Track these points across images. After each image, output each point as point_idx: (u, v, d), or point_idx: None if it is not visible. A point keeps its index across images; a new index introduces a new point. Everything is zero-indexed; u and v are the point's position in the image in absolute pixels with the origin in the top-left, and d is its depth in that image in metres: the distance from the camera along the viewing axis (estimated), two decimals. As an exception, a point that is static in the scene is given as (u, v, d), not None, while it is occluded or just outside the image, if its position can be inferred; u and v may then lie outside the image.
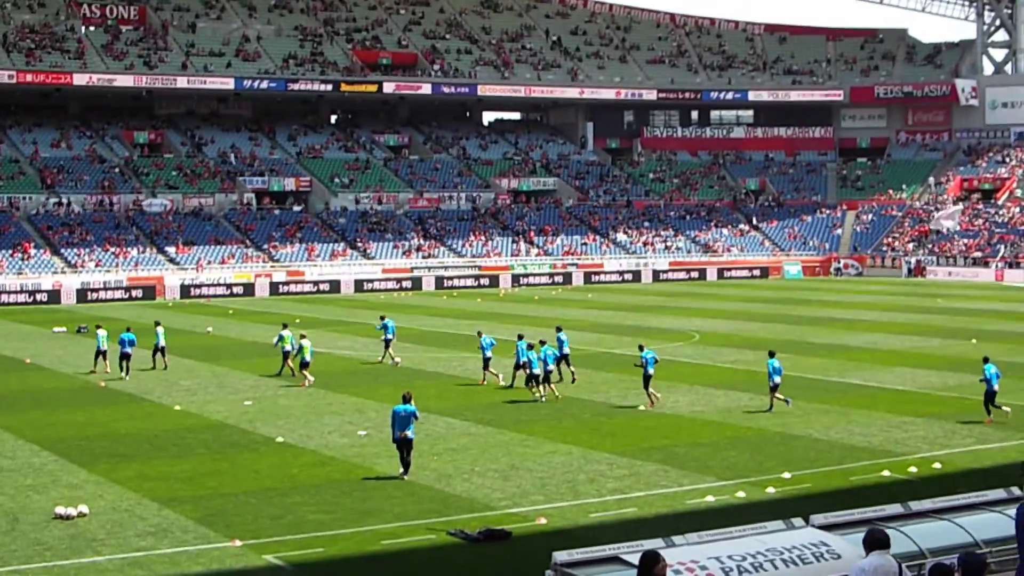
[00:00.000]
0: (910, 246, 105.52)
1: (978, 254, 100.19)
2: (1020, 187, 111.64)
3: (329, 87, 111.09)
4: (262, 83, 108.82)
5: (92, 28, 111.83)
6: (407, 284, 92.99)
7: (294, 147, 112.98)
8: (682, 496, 25.87)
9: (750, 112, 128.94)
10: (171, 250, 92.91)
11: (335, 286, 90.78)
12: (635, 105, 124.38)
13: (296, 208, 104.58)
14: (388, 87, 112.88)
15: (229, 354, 51.84)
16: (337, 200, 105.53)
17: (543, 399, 38.18)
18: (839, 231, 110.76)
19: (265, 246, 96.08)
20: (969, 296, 79.28)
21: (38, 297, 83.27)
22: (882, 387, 40.43)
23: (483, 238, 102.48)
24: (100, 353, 45.91)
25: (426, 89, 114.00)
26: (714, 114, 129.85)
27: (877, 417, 34.64)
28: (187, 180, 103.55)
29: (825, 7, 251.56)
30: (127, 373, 44.32)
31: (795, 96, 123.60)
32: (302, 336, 43.53)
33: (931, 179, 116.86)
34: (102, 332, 46.60)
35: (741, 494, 25.76)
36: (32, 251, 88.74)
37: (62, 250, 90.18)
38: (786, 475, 27.38)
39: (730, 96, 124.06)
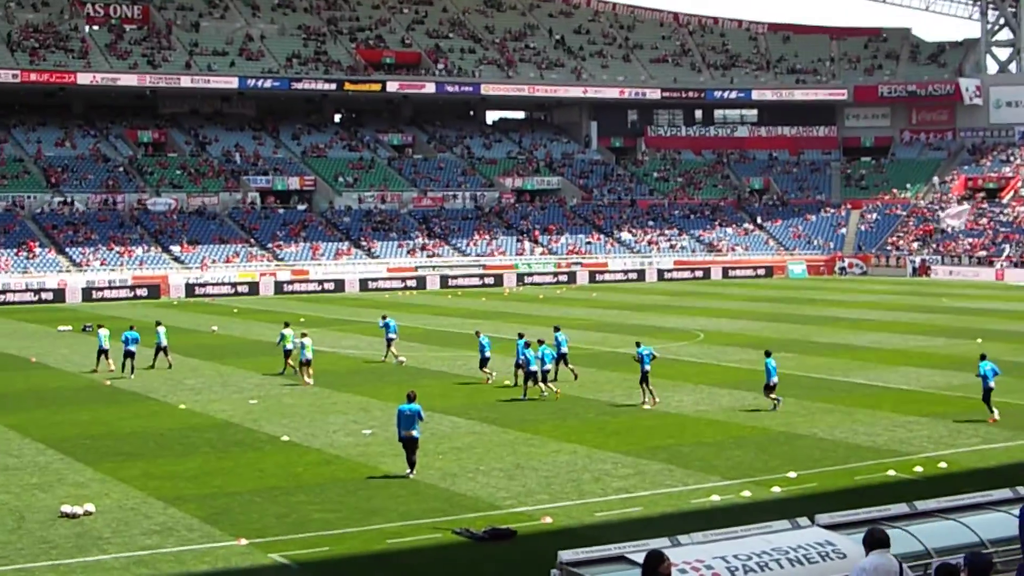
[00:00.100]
0: (915, 245, 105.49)
1: (983, 253, 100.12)
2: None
3: (333, 86, 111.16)
4: (266, 82, 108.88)
5: (96, 27, 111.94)
6: (411, 283, 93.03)
7: (298, 146, 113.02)
8: (687, 495, 25.86)
9: (754, 111, 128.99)
10: (176, 249, 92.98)
11: (340, 285, 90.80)
12: (639, 104, 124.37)
13: (300, 207, 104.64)
14: (392, 86, 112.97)
15: (234, 353, 51.86)
16: (341, 199, 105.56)
17: (545, 395, 38.24)
18: (843, 230, 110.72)
19: (269, 245, 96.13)
20: (973, 296, 79.22)
21: (43, 296, 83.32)
22: (887, 386, 40.40)
23: (487, 237, 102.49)
24: (102, 352, 45.97)
25: (430, 88, 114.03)
26: (718, 113, 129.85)
27: (882, 416, 34.62)
28: (191, 179, 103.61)
29: (829, 6, 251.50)
30: (132, 372, 44.38)
31: (799, 95, 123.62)
32: (303, 335, 43.52)
33: (935, 178, 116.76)
34: (104, 331, 46.64)
35: (746, 493, 25.75)
36: (37, 250, 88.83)
37: (67, 249, 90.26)
38: (791, 474, 27.36)
39: (734, 95, 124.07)
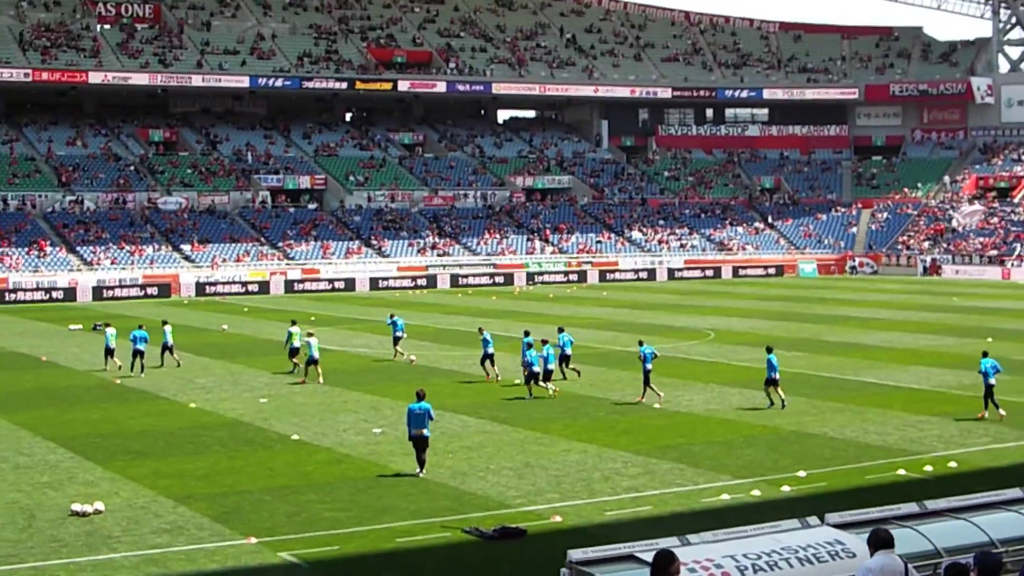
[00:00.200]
0: (925, 244, 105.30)
1: (994, 252, 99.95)
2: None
3: (344, 85, 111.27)
4: (277, 81, 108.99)
5: (107, 26, 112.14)
6: (422, 282, 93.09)
7: (309, 145, 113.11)
8: (697, 495, 25.83)
9: (765, 110, 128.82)
10: (186, 248, 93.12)
11: (350, 284, 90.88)
12: (650, 103, 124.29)
13: (311, 206, 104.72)
14: (403, 85, 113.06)
15: (244, 352, 51.92)
16: (352, 198, 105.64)
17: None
18: (854, 229, 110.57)
19: (280, 244, 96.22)
20: (985, 295, 79.08)
21: (54, 295, 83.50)
22: (897, 386, 40.34)
23: (498, 236, 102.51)
24: (109, 351, 46.04)
25: (441, 87, 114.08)
26: (729, 112, 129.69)
27: (892, 416, 34.57)
28: (202, 178, 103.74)
29: (840, 5, 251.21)
30: (142, 371, 44.44)
31: (810, 94, 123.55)
32: (309, 334, 43.53)
33: (946, 177, 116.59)
34: (111, 330, 46.70)
35: (756, 493, 25.72)
36: (48, 249, 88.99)
37: (78, 248, 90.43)
38: (801, 474, 27.33)
39: (745, 94, 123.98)
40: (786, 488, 26.12)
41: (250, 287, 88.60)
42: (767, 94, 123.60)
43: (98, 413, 36.79)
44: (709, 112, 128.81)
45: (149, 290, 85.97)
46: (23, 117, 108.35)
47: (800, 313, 66.70)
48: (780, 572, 14.50)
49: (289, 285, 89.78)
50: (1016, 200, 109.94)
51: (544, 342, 39.77)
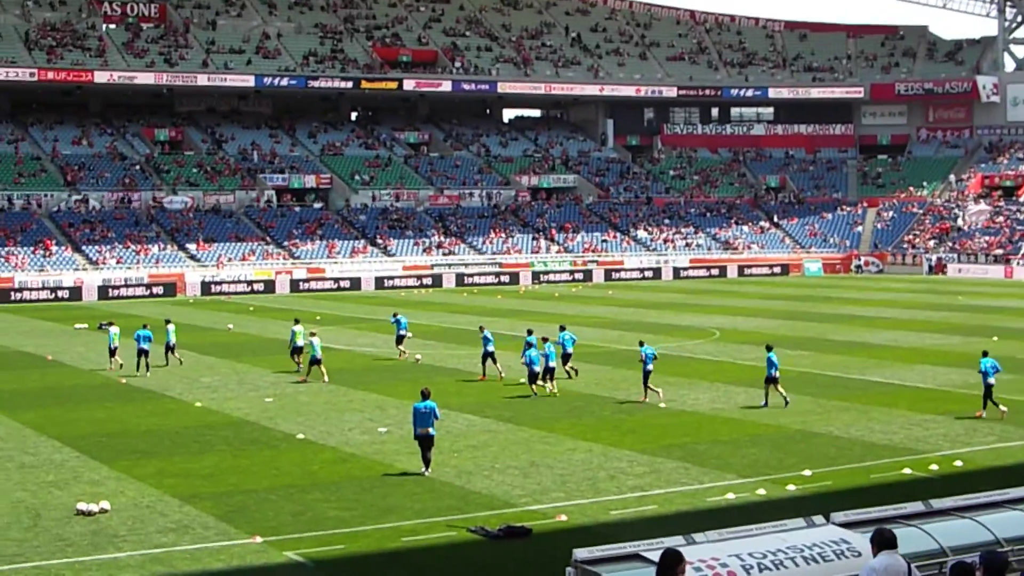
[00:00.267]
0: (931, 243, 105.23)
1: (999, 251, 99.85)
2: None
3: (349, 84, 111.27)
4: (282, 80, 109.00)
5: (113, 26, 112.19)
6: (427, 281, 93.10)
7: (314, 144, 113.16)
8: (703, 494, 25.82)
9: (770, 109, 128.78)
10: (192, 247, 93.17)
11: (356, 283, 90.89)
12: (655, 102, 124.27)
13: (316, 205, 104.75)
14: (408, 84, 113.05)
15: (250, 351, 51.93)
16: (357, 197, 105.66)
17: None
18: (860, 228, 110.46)
19: (285, 243, 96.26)
20: (989, 293, 79.01)
21: (60, 294, 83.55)
22: (903, 385, 40.31)
23: (503, 235, 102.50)
24: (113, 351, 46.06)
25: (446, 86, 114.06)
26: (734, 111, 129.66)
27: (898, 415, 34.55)
28: (208, 177, 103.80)
29: (845, 4, 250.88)
30: (147, 370, 44.47)
31: (815, 93, 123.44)
32: (311, 334, 43.54)
33: (952, 176, 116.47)
34: (114, 329, 46.70)
35: (762, 492, 25.71)
36: (54, 248, 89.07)
37: (83, 247, 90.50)
38: (807, 472, 27.32)
39: (750, 93, 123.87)
40: (791, 487, 26.11)
41: (255, 286, 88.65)
42: (772, 93, 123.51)
43: (103, 412, 36.81)
44: (714, 111, 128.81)
45: (155, 289, 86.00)
46: (29, 116, 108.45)
47: (805, 312, 66.67)
48: (786, 571, 14.50)
49: (295, 284, 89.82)
50: (1022, 199, 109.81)
51: (544, 340, 39.76)
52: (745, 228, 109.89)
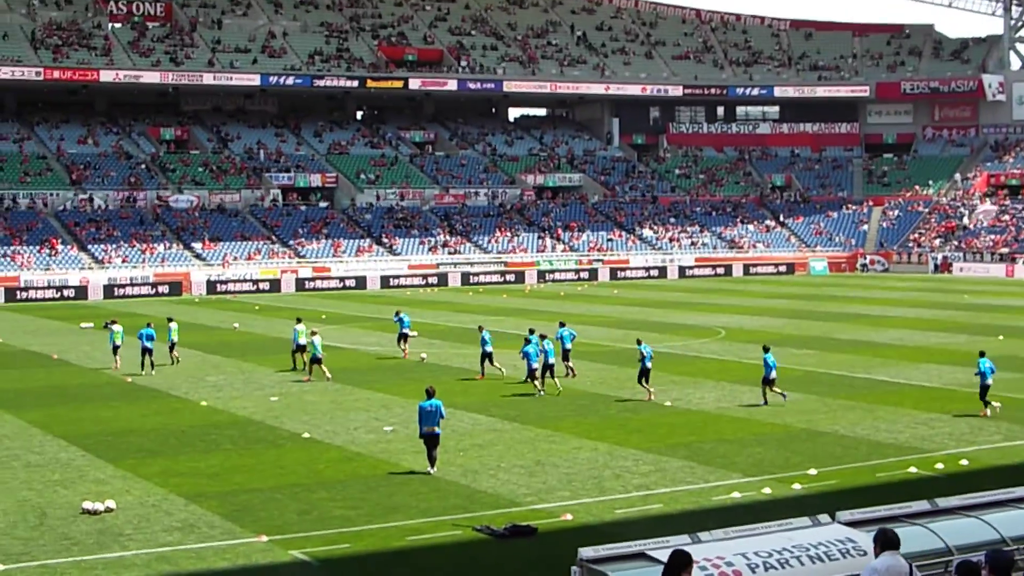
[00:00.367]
0: (936, 242, 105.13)
1: (1005, 250, 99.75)
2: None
3: (355, 83, 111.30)
4: (288, 79, 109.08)
5: (119, 25, 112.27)
6: (433, 280, 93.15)
7: (320, 143, 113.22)
8: (708, 492, 25.81)
9: (776, 108, 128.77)
10: (197, 246, 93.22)
11: (361, 282, 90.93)
12: (661, 101, 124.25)
13: (322, 204, 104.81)
14: (414, 83, 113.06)
15: (255, 350, 51.95)
16: (363, 196, 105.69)
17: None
18: (865, 227, 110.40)
19: (291, 242, 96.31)
20: (996, 292, 78.94)
21: (65, 293, 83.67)
22: (909, 383, 40.28)
23: (509, 234, 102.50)
24: (115, 349, 46.06)
25: (452, 85, 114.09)
26: (740, 110, 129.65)
27: (904, 413, 34.52)
28: (213, 176, 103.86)
29: (851, 3, 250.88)
30: (152, 368, 44.49)
31: (821, 92, 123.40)
32: (313, 333, 43.52)
33: (957, 175, 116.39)
34: (117, 327, 46.68)
35: (767, 490, 25.69)
36: (59, 247, 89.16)
37: (89, 246, 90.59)
38: (812, 471, 27.29)
39: (756, 92, 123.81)
40: (797, 486, 26.08)
41: (261, 285, 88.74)
42: (778, 92, 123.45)
43: (109, 411, 36.83)
44: (720, 110, 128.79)
45: (160, 288, 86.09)
46: (34, 115, 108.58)
47: (811, 311, 66.63)
48: (791, 570, 14.48)
49: (300, 283, 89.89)
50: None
51: (543, 336, 39.72)
52: (751, 227, 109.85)
